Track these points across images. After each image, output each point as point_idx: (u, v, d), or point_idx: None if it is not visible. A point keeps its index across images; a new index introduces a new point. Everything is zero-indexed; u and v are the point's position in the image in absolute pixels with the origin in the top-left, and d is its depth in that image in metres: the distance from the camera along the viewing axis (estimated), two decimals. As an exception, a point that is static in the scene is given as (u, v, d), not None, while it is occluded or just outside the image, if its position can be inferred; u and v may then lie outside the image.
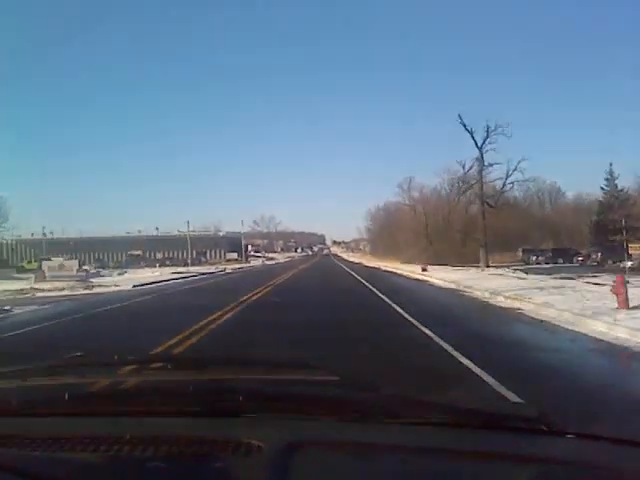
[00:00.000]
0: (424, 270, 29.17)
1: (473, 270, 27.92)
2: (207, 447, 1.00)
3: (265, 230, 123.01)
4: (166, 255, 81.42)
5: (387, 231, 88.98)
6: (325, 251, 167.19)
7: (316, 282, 23.39)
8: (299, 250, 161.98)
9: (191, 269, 44.86)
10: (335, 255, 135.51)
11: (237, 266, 50.12)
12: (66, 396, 1.22)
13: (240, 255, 77.30)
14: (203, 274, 36.20)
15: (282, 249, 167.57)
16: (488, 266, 31.84)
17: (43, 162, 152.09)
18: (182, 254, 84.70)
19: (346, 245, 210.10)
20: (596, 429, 1.14)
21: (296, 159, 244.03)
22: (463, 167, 45.16)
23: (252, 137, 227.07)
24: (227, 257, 73.52)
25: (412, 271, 29.94)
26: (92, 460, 0.96)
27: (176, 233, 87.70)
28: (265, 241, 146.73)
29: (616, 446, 1.05)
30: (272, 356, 2.65)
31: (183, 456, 0.98)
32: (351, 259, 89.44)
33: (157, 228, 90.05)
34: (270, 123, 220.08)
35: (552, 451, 1.02)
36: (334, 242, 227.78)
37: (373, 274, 30.19)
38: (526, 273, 23.17)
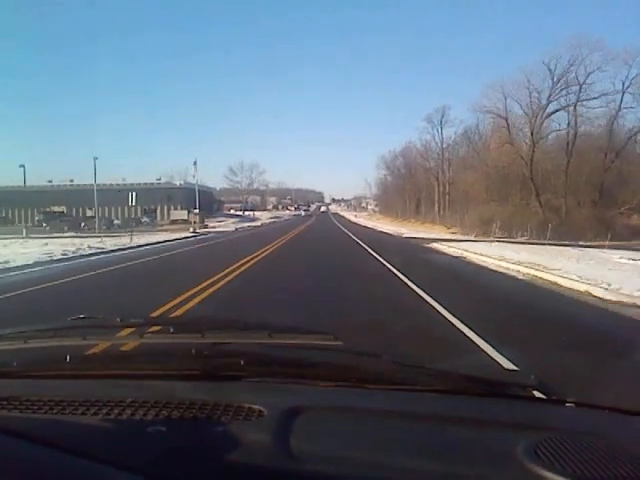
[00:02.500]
0: None
1: None
2: (208, 411, 0.99)
3: (247, 181, 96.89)
4: (101, 213, 57.83)
5: (410, 183, 65.18)
6: (323, 208, 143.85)
7: None
8: (292, 208, 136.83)
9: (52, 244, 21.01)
10: (336, 215, 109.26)
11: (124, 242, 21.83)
12: (67, 358, 1.22)
13: (204, 212, 53.42)
14: None
15: (274, 207, 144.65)
16: None
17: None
18: (126, 211, 61.39)
19: (346, 203, 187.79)
20: (595, 398, 1.13)
21: (294, 112, 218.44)
22: (551, 70, 24.16)
23: (241, 87, 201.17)
24: (172, 217, 49.55)
25: None
26: (94, 423, 0.96)
27: (121, 182, 63.60)
28: (251, 197, 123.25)
29: (614, 415, 1.06)
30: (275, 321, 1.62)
31: (184, 420, 0.97)
32: (371, 224, 54.66)
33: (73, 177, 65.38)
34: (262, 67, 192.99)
35: (551, 419, 1.04)
36: (333, 200, 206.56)
37: None
38: None
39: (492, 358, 4.39)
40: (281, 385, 1.16)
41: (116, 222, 47.14)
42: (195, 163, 46.23)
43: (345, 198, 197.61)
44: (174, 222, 47.52)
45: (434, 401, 1.10)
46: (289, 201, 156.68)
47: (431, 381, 1.14)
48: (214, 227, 43.15)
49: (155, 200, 59.42)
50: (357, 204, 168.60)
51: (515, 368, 3.20)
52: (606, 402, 1.09)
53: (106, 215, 57.84)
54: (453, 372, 1.18)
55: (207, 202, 70.17)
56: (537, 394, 1.12)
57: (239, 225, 47.65)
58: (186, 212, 50.43)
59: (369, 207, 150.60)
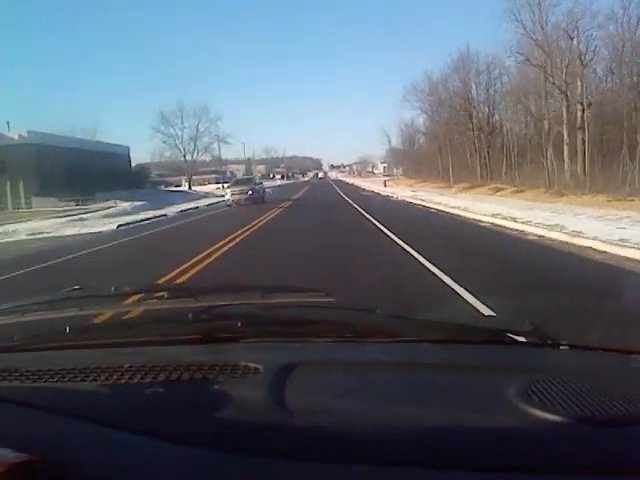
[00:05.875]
0: None
1: None
2: (205, 371, 1.01)
3: (189, 132, 58.16)
4: None
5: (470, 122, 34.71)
6: (320, 174, 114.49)
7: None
8: (277, 177, 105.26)
9: None
10: (337, 181, 76.08)
11: None
12: (67, 329, 1.24)
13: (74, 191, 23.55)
14: None
15: (263, 176, 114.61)
16: None
17: None
18: None
19: (348, 168, 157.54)
20: (589, 341, 1.16)
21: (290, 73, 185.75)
22: None
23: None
24: None
25: None
26: (92, 389, 0.98)
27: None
28: (234, 167, 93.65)
29: (608, 355, 1.11)
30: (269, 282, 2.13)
31: (181, 381, 0.98)
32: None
33: None
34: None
35: (545, 362, 1.08)
36: (332, 166, 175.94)
37: None
38: None
39: None
40: (278, 344, 1.18)
41: None
42: None
43: (345, 164, 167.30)
44: None
45: (429, 351, 1.11)
46: (283, 170, 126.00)
47: (426, 332, 1.16)
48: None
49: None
50: (362, 168, 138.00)
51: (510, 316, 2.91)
52: (600, 343, 1.12)
53: None
54: (447, 322, 1.20)
55: (116, 171, 39.92)
56: (532, 340, 1.13)
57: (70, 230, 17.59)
58: None
59: (376, 171, 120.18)
